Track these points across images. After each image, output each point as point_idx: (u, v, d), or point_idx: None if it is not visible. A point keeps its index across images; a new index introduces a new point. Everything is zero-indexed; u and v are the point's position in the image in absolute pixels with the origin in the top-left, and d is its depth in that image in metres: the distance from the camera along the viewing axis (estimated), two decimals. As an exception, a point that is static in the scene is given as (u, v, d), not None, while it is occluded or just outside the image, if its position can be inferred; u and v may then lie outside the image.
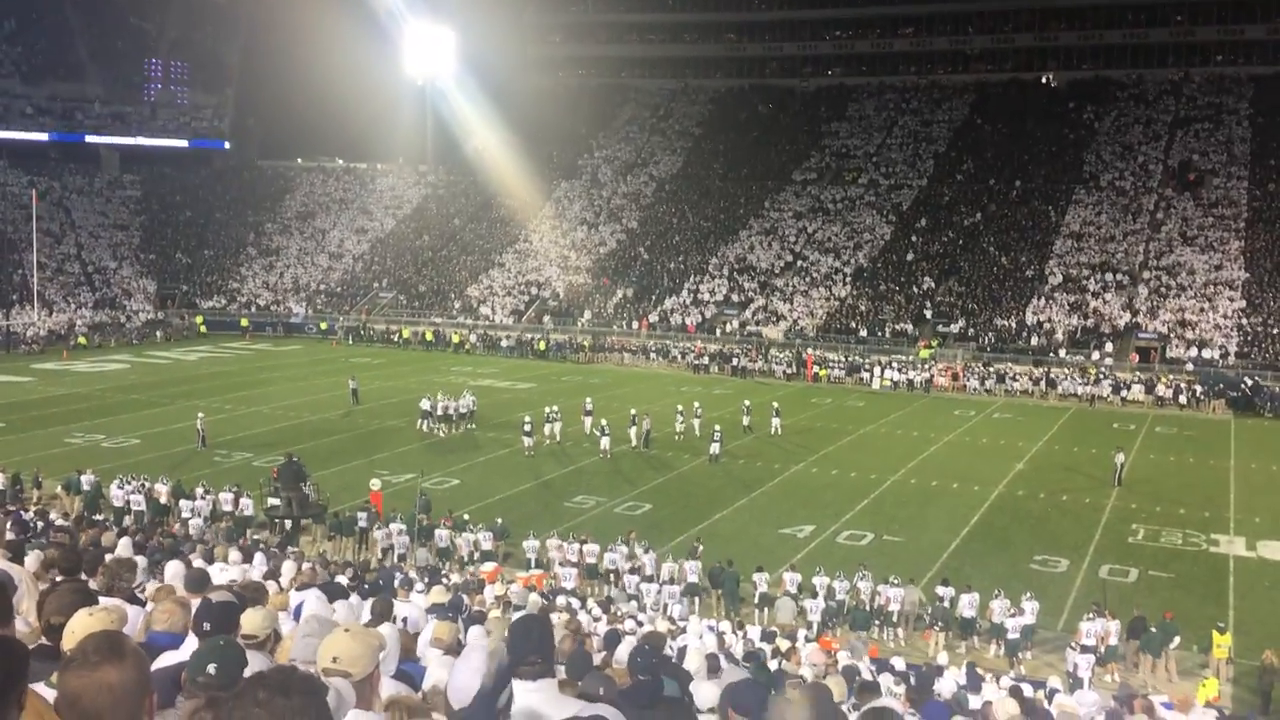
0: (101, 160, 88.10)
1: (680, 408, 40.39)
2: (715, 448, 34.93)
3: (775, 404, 41.26)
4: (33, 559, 10.00)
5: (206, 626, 5.62)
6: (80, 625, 3.94)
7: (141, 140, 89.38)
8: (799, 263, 68.95)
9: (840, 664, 14.99)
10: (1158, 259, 61.56)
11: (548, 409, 38.36)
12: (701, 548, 23.52)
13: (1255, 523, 28.67)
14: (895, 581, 21.31)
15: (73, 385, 49.03)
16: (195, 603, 7.05)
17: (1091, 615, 19.55)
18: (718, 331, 62.91)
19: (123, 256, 77.98)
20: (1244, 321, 54.65)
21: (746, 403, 41.16)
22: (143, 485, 28.10)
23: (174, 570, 10.72)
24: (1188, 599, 22.24)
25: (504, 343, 64.00)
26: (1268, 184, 66.58)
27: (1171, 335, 54.66)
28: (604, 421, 36.94)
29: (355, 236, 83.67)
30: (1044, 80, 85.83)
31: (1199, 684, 16.92)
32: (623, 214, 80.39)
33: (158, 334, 68.08)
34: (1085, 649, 18.68)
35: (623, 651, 9.30)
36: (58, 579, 7.88)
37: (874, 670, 14.01)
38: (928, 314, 60.61)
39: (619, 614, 17.86)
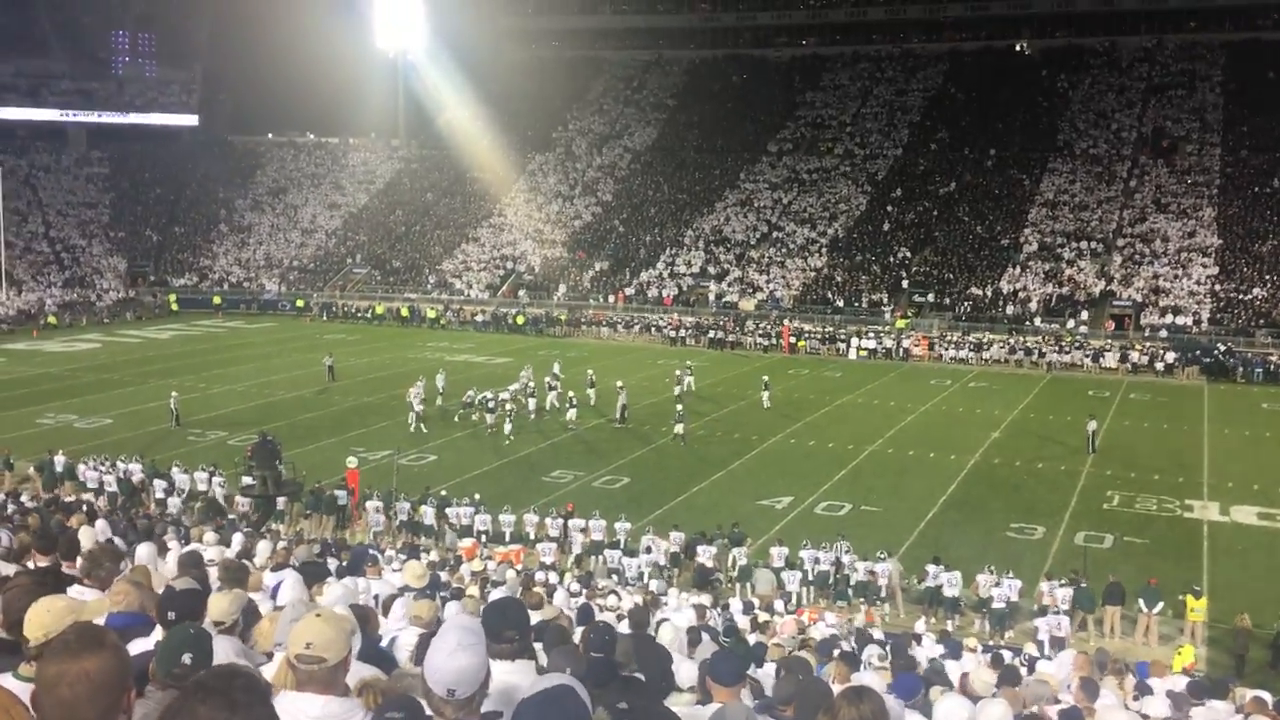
0: (68, 137, 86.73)
1: (677, 371, 41.25)
2: (679, 428, 34.12)
3: (765, 378, 41.34)
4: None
5: (171, 615, 5.51)
6: (36, 616, 3.89)
7: (109, 117, 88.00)
8: (775, 234, 68.88)
9: (817, 637, 15.03)
10: (1132, 226, 61.82)
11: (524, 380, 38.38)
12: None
13: (1228, 488, 28.95)
14: (881, 556, 21.34)
15: (43, 365, 48.51)
16: (167, 584, 6.95)
17: (1064, 581, 19.73)
18: (695, 304, 62.85)
19: (92, 234, 76.97)
20: (1217, 288, 55.01)
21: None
22: (113, 465, 27.87)
23: (146, 553, 10.58)
24: (1163, 564, 22.42)
25: (479, 317, 63.74)
26: (1240, 150, 66.90)
27: (1145, 302, 54.97)
28: (571, 394, 36.95)
29: (328, 212, 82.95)
30: (1018, 48, 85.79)
31: (1175, 651, 17.09)
32: (598, 187, 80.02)
33: (128, 313, 67.40)
34: (1048, 611, 18.91)
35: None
36: (29, 566, 7.77)
37: (854, 642, 14.03)
38: (904, 284, 60.70)
39: (599, 589, 17.85)
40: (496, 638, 4.17)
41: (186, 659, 4.01)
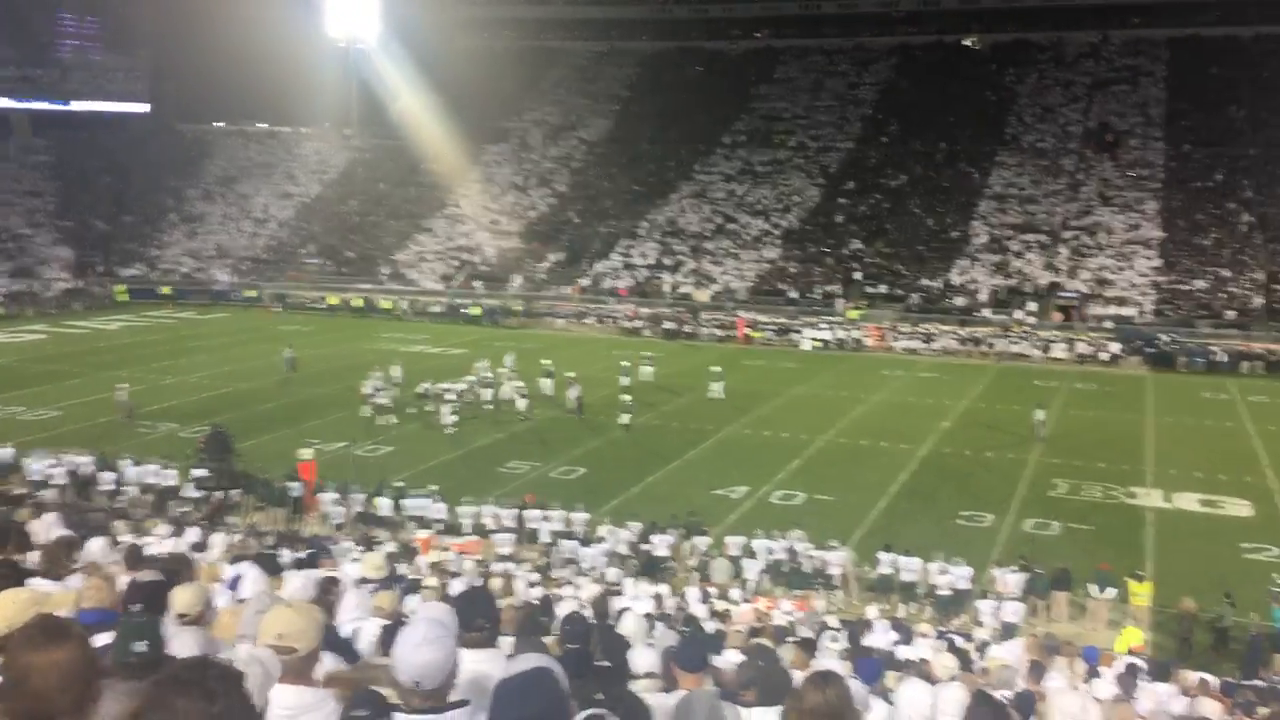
0: (12, 124, 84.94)
1: (625, 362, 40.98)
2: (626, 418, 34.36)
3: (718, 368, 41.37)
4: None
5: (137, 607, 5.52)
6: None
7: (54, 105, 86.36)
8: (729, 225, 69.15)
9: (774, 623, 15.24)
10: (1077, 219, 62.81)
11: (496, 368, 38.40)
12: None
13: (1171, 475, 29.59)
14: (835, 545, 21.63)
15: (-12, 357, 47.62)
16: (125, 579, 6.94)
17: (1014, 568, 20.14)
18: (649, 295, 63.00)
19: (38, 224, 75.52)
20: (1160, 280, 56.08)
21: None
22: (61, 459, 27.50)
23: (98, 546, 10.51)
24: (1108, 550, 22.87)
25: (434, 308, 63.42)
26: (1182, 145, 68.12)
27: (1091, 294, 55.91)
28: (521, 384, 36.98)
29: (280, 202, 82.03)
30: (967, 43, 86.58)
31: (1120, 632, 17.51)
32: (552, 178, 79.85)
33: (76, 304, 66.27)
34: (1000, 597, 19.30)
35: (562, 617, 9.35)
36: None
37: (812, 629, 14.25)
38: (856, 275, 61.23)
39: (557, 579, 17.93)
40: (467, 626, 4.27)
41: (140, 647, 4.05)
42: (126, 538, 13.95)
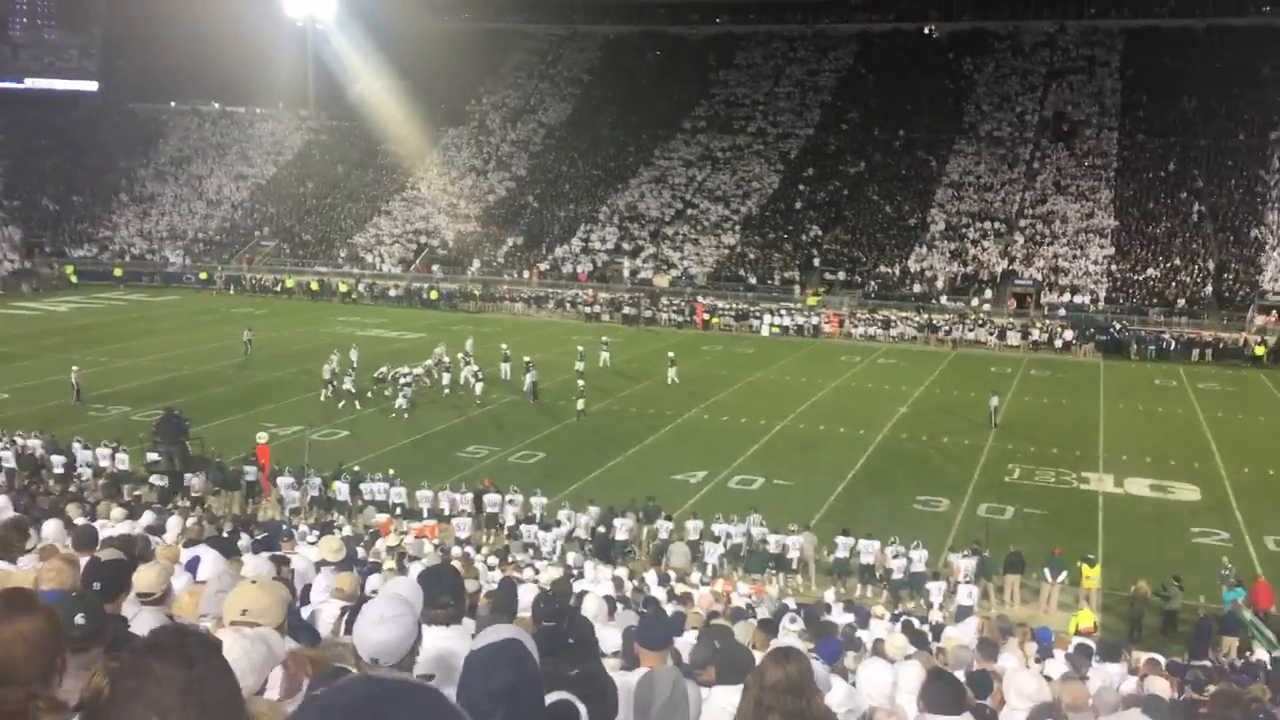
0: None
1: (580, 348, 40.78)
2: (580, 403, 34.19)
3: (670, 354, 41.42)
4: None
5: (97, 586, 5.47)
6: None
7: (3, 82, 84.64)
8: (689, 211, 69.21)
9: (733, 605, 15.33)
10: (1033, 208, 63.51)
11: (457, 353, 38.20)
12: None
13: (1123, 461, 30.06)
14: (794, 529, 21.75)
15: (-66, 339, 46.67)
16: (83, 560, 6.87)
17: (967, 553, 20.37)
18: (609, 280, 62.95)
19: (-16, 203, 74.18)
20: (1113, 268, 56.87)
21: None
22: (12, 441, 27.06)
23: (53, 529, 10.39)
24: (1060, 534, 23.22)
25: (391, 292, 62.98)
26: (1136, 135, 69.05)
27: (1046, 282, 56.58)
28: (477, 369, 36.85)
29: (234, 183, 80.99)
30: (926, 31, 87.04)
31: (1073, 615, 17.78)
32: (511, 161, 79.47)
33: (24, 285, 65.10)
34: (950, 580, 19.54)
35: (525, 599, 9.38)
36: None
37: (771, 612, 14.35)
38: (815, 262, 61.54)
39: (516, 563, 17.92)
40: (432, 603, 4.26)
41: (80, 619, 4.01)
42: (80, 520, 13.76)
